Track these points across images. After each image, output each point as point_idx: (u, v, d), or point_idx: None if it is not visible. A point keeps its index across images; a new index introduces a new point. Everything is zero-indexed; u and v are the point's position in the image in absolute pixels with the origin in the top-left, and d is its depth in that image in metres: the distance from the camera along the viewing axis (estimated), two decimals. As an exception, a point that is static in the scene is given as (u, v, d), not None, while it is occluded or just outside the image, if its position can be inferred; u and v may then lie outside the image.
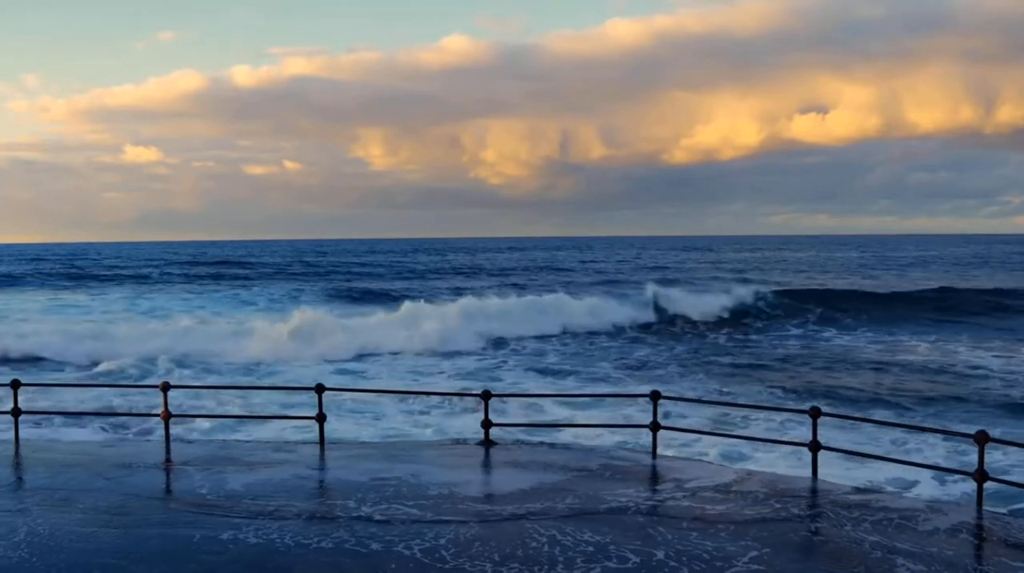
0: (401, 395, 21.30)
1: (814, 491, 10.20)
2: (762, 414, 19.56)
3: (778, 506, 9.42)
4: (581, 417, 19.84)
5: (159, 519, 8.94)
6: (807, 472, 10.81)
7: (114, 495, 9.79)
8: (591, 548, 7.98)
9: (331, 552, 7.88)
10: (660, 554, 7.86)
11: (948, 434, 12.01)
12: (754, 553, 7.84)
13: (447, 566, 7.51)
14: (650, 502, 9.71)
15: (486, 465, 11.65)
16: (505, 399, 20.40)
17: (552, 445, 13.35)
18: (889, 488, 12.73)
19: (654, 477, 11.03)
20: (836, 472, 13.58)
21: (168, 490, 10.39)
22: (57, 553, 7.84)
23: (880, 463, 13.50)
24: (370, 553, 7.85)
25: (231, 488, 10.08)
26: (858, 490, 10.40)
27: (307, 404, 15.40)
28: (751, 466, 13.95)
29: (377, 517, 8.93)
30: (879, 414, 20.99)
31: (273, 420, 17.06)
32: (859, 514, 9.12)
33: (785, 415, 19.27)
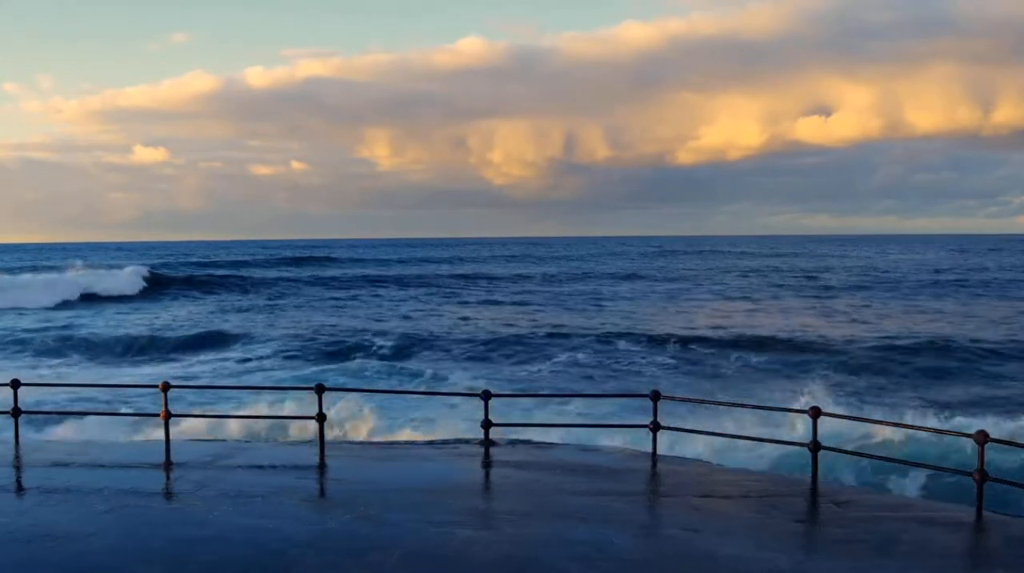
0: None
1: (814, 491, 10.18)
2: (763, 414, 19.49)
3: (777, 505, 9.41)
4: (583, 418, 19.83)
5: (158, 519, 8.94)
6: (807, 472, 10.79)
7: (114, 495, 9.79)
8: (591, 547, 7.98)
9: (332, 552, 7.87)
10: (665, 554, 7.85)
11: (947, 434, 12.01)
12: (755, 553, 7.83)
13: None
14: (651, 503, 9.70)
15: (486, 465, 11.65)
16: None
17: (551, 445, 13.33)
18: (889, 487, 12.71)
19: (654, 477, 11.02)
20: (837, 472, 13.56)
21: (168, 490, 10.40)
22: (56, 553, 7.84)
23: (881, 462, 13.47)
24: (361, 548, 7.85)
25: (231, 488, 10.08)
26: (857, 489, 10.39)
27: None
28: (751, 466, 13.93)
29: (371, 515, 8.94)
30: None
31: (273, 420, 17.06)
32: (858, 512, 9.11)
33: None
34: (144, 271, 69.83)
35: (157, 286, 65.58)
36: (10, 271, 71.67)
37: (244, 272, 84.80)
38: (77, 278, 63.59)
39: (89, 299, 58.29)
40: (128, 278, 65.59)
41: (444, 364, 31.84)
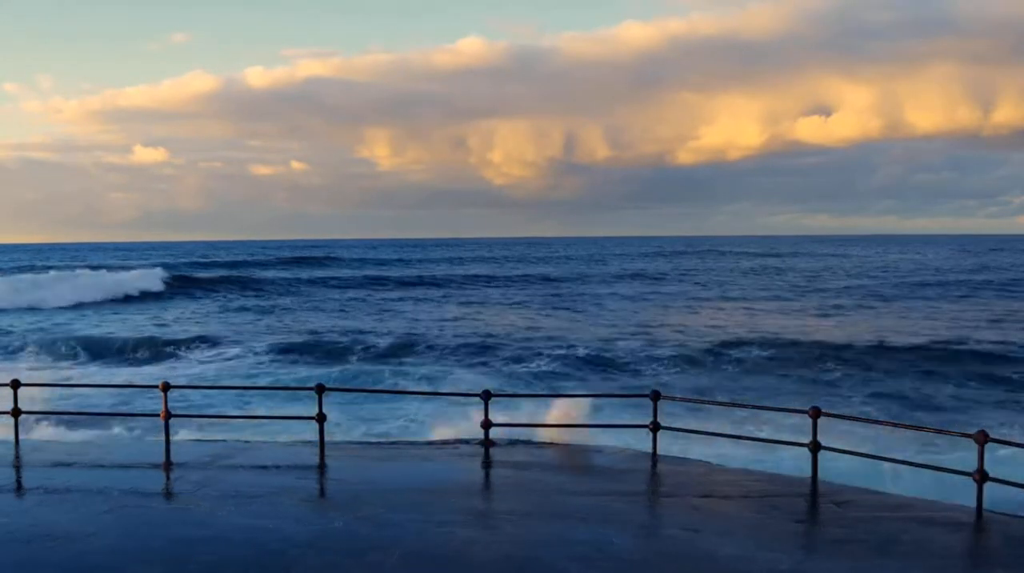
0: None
1: (814, 491, 10.19)
2: (763, 414, 19.47)
3: (777, 505, 9.41)
4: (582, 418, 19.75)
5: (159, 519, 8.94)
6: (807, 472, 10.79)
7: (114, 495, 9.79)
8: (591, 547, 7.97)
9: (332, 552, 7.87)
10: (665, 554, 7.84)
11: (948, 434, 11.99)
12: (755, 553, 7.83)
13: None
14: (651, 503, 9.69)
15: (486, 465, 11.64)
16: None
17: (551, 445, 13.33)
18: (888, 488, 12.69)
19: (654, 477, 11.02)
20: (835, 471, 13.52)
21: (168, 490, 10.40)
22: (56, 553, 7.85)
23: (880, 462, 13.45)
24: (361, 548, 7.85)
25: (231, 488, 10.08)
26: (858, 489, 10.38)
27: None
28: (750, 466, 13.90)
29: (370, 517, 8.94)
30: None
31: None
32: (858, 512, 9.11)
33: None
34: (154, 271, 69.96)
35: (157, 286, 65.63)
36: (11, 272, 71.68)
37: (244, 272, 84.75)
38: (81, 279, 63.61)
39: (92, 300, 58.23)
40: (133, 278, 65.74)
41: (444, 364, 31.79)
